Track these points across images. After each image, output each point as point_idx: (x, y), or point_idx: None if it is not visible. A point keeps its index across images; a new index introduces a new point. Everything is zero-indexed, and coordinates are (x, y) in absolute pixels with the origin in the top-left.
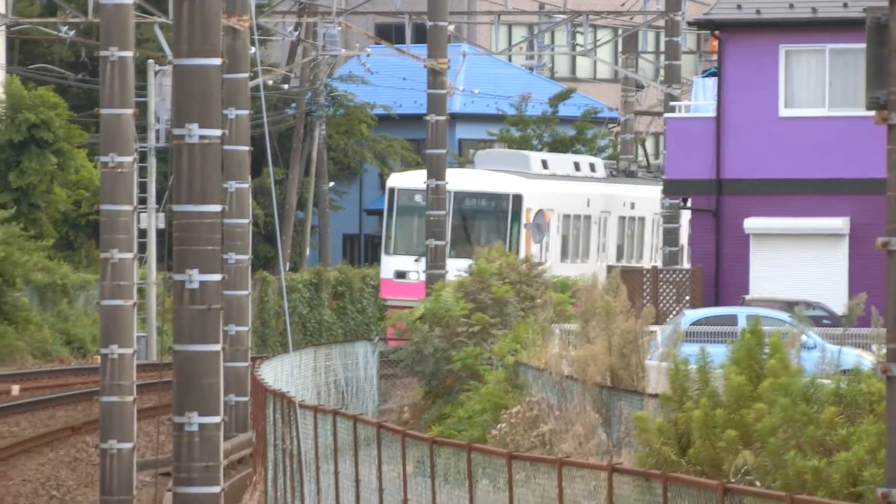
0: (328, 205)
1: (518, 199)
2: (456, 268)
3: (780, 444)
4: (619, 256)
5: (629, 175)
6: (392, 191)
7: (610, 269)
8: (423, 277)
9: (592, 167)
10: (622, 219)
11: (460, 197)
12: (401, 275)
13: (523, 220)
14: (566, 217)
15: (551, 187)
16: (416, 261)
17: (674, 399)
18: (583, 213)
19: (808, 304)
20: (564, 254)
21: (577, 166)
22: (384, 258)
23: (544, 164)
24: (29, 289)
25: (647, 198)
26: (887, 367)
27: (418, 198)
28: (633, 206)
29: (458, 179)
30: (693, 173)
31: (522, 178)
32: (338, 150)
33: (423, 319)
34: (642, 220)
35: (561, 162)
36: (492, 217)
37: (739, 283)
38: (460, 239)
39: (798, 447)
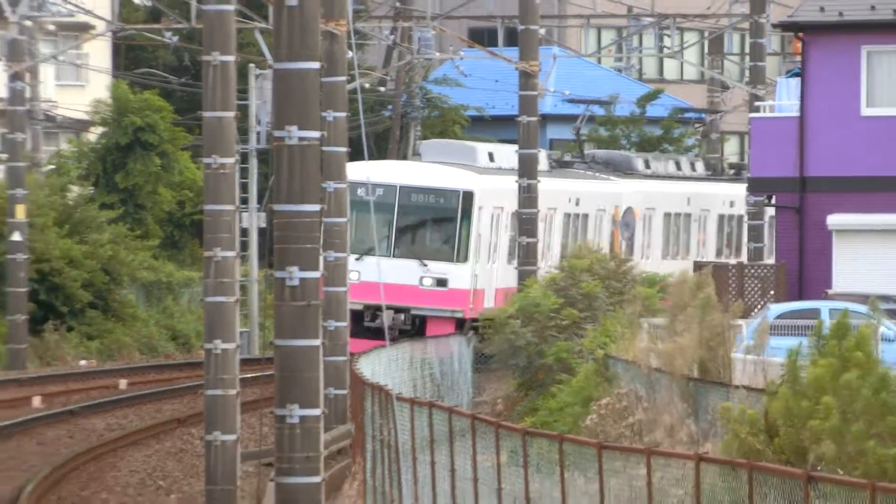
0: None
1: (469, 196)
2: (398, 266)
3: (861, 434)
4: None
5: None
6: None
7: (698, 265)
8: (364, 278)
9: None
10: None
11: (405, 192)
12: None
13: (473, 219)
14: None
15: (503, 183)
16: (357, 259)
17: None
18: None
19: (888, 298)
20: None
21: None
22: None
23: (490, 156)
24: (135, 287)
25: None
26: None
27: (361, 192)
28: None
29: (403, 173)
30: (777, 171)
31: (473, 172)
32: None
33: (515, 315)
34: (688, 216)
35: (506, 154)
36: (440, 215)
37: (822, 279)
38: (405, 238)
39: (878, 437)
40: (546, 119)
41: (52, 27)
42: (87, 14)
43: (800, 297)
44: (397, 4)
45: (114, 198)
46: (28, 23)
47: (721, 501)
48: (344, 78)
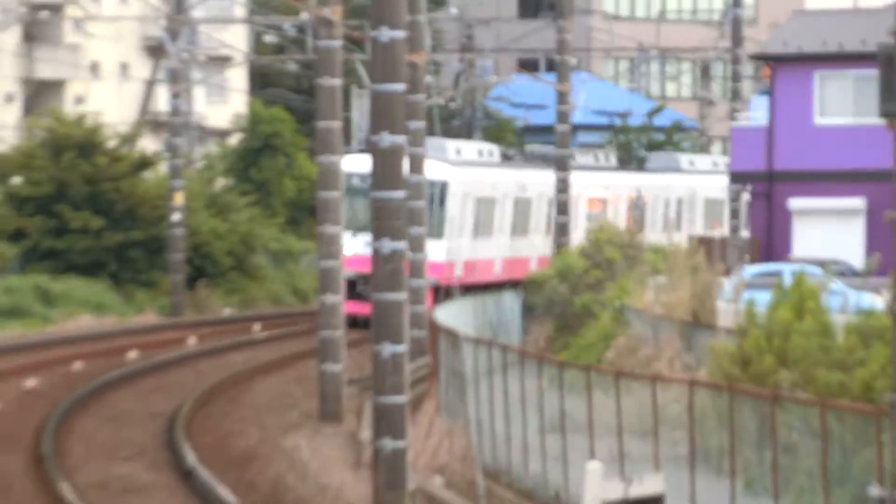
0: None
1: (444, 185)
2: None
3: (812, 364)
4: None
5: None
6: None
7: (691, 238)
8: (358, 252)
9: (491, 153)
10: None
11: None
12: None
13: (448, 203)
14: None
15: (469, 174)
16: (352, 236)
17: (739, 331)
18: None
19: (835, 262)
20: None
21: (479, 153)
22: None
23: (458, 151)
24: (266, 254)
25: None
26: (892, 305)
27: (356, 180)
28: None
29: None
30: (751, 166)
31: (448, 164)
32: None
33: (554, 276)
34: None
35: (469, 149)
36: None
37: (785, 248)
38: None
39: (825, 366)
40: (577, 128)
41: (202, 58)
42: (228, 48)
43: (768, 261)
44: (464, 40)
45: (249, 188)
46: (185, 55)
47: (708, 415)
48: (423, 96)
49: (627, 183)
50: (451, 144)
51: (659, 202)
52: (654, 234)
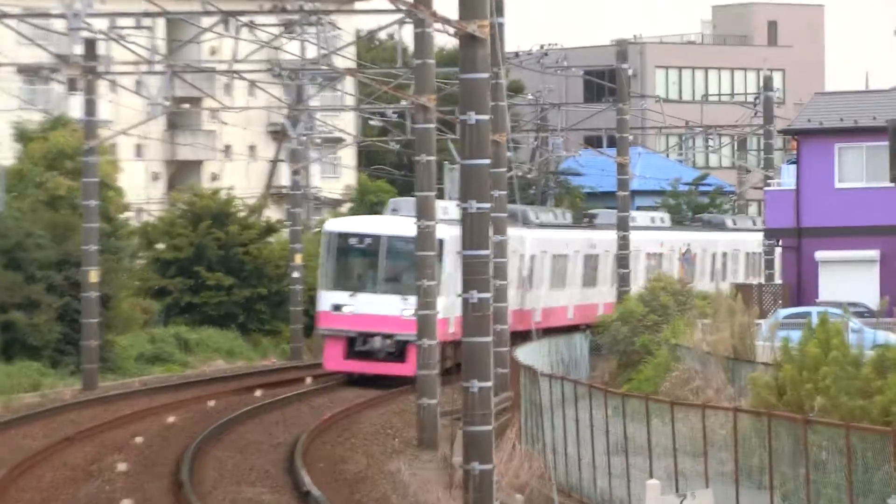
0: None
1: (440, 243)
2: (387, 302)
3: (837, 392)
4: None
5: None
6: (330, 234)
7: (732, 285)
8: (356, 310)
9: (564, 215)
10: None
11: (394, 241)
12: (337, 307)
13: (444, 261)
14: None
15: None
16: (350, 296)
17: (775, 364)
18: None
19: (855, 304)
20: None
21: (554, 216)
22: (322, 293)
23: (445, 210)
24: None
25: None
26: None
27: (353, 241)
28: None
29: (387, 225)
30: (782, 224)
31: (442, 224)
32: None
33: (617, 319)
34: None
35: (453, 208)
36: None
37: (812, 293)
38: (393, 277)
39: (848, 394)
40: (634, 193)
41: (318, 140)
42: (340, 131)
43: (798, 305)
44: (538, 121)
45: None
46: (303, 138)
47: (750, 437)
48: (504, 169)
49: (679, 239)
50: (441, 204)
51: (707, 255)
52: (703, 283)
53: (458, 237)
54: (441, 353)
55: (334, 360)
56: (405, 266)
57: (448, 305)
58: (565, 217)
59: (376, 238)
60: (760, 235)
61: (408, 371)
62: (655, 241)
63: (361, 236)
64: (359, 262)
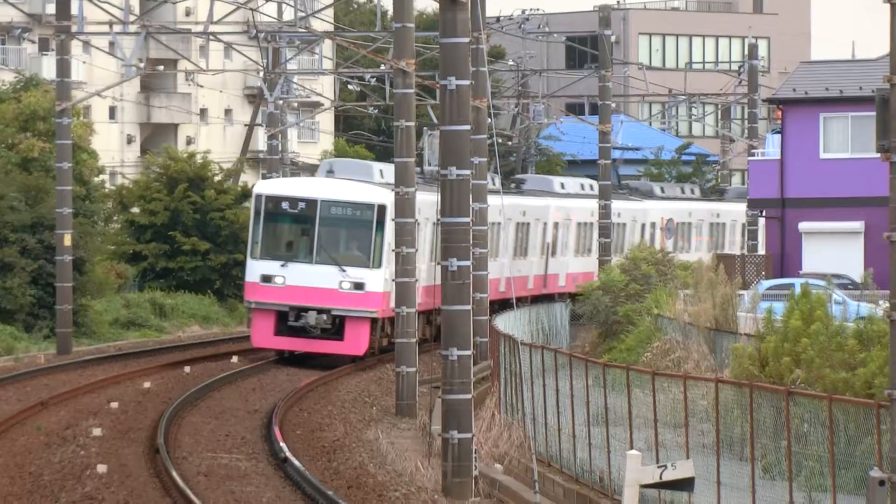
0: None
1: (382, 209)
2: (323, 273)
3: (820, 364)
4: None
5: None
6: (259, 197)
7: (715, 255)
8: (288, 282)
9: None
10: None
11: (326, 205)
12: (266, 279)
13: (386, 229)
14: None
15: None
16: (282, 266)
17: (757, 336)
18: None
19: (839, 276)
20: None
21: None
22: (250, 263)
23: (381, 173)
24: None
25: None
26: (890, 313)
27: (285, 205)
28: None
29: (323, 188)
30: (766, 194)
31: (383, 188)
32: None
33: (598, 288)
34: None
35: (390, 171)
36: (357, 225)
37: (796, 264)
38: (325, 246)
39: (831, 366)
40: (616, 161)
41: (295, 104)
42: (318, 96)
43: (781, 276)
44: (519, 88)
45: None
46: (280, 102)
47: (731, 409)
48: (485, 135)
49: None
50: (377, 167)
51: (637, 226)
52: (699, 254)
53: (429, 202)
54: (381, 329)
55: (263, 335)
56: (343, 234)
57: (389, 277)
58: (494, 183)
59: (311, 202)
60: (693, 204)
61: (347, 349)
62: (587, 209)
63: (294, 200)
64: (291, 229)
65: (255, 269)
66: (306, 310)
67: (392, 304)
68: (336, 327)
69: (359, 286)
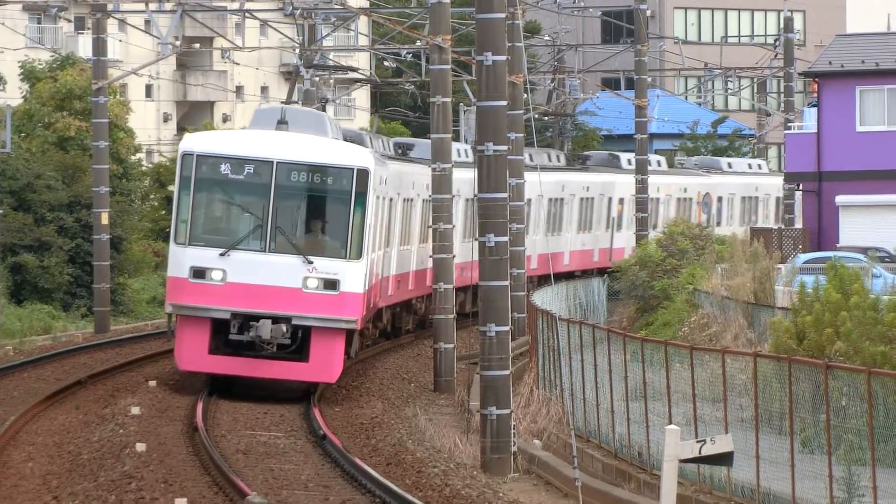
0: None
1: (364, 175)
2: (282, 266)
3: (859, 338)
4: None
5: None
6: (188, 158)
7: (752, 230)
8: (230, 278)
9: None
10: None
11: (284, 170)
12: (199, 273)
13: (369, 203)
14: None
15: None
16: (221, 255)
17: (794, 309)
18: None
19: (876, 249)
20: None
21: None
22: (175, 250)
23: (337, 128)
24: None
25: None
26: None
27: (225, 168)
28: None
29: (279, 146)
30: (803, 167)
31: (363, 149)
32: None
33: (635, 264)
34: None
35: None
36: (329, 199)
37: (832, 237)
38: (284, 228)
39: (870, 339)
40: (653, 136)
41: (331, 81)
42: (354, 72)
43: (818, 250)
44: (555, 63)
45: None
46: (316, 78)
47: (770, 383)
48: (521, 111)
49: (579, 181)
50: (330, 119)
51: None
52: (719, 227)
53: (397, 173)
54: (372, 319)
55: (192, 353)
56: (309, 210)
57: (369, 273)
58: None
59: (264, 165)
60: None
61: (312, 374)
62: (557, 182)
63: (239, 161)
64: (234, 204)
65: (183, 259)
66: (256, 317)
67: (390, 292)
68: (297, 343)
69: (331, 285)
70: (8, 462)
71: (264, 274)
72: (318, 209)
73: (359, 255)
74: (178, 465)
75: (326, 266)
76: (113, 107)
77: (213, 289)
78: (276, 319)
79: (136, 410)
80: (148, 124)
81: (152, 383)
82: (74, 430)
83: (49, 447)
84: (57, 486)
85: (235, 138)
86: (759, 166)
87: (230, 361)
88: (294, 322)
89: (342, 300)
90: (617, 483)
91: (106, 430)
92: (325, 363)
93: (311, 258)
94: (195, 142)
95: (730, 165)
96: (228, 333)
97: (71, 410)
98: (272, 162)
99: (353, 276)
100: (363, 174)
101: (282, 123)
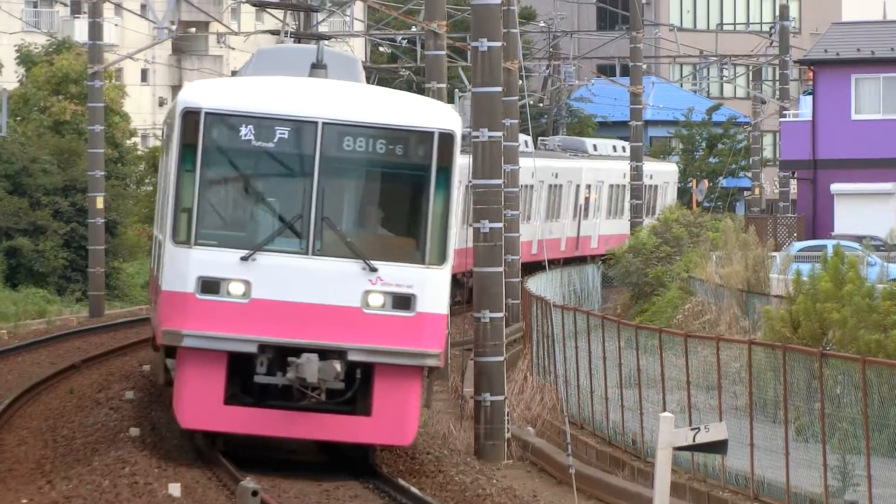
0: None
1: (448, 141)
2: (322, 273)
3: (854, 325)
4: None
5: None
6: (193, 116)
7: (748, 218)
8: (256, 293)
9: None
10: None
11: (334, 134)
12: (212, 286)
13: (453, 184)
14: None
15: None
16: (243, 260)
17: (788, 297)
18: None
19: (871, 238)
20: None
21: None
22: (172, 252)
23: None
24: None
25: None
26: None
27: (246, 132)
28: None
29: (327, 99)
30: (798, 155)
31: (441, 106)
32: None
33: (629, 251)
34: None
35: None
36: (399, 178)
37: (827, 225)
38: (335, 218)
39: (865, 327)
40: (647, 123)
41: None
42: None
43: (813, 237)
44: (550, 50)
45: None
46: None
47: (764, 371)
48: (516, 97)
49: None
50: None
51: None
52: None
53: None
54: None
55: (201, 405)
56: (370, 195)
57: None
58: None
59: (305, 126)
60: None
61: (378, 434)
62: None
63: (269, 121)
64: (262, 184)
65: (186, 266)
66: (295, 351)
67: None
68: (354, 388)
69: (404, 302)
70: (2, 446)
71: (306, 287)
72: (384, 193)
73: (442, 259)
74: (172, 450)
75: (397, 275)
76: (108, 91)
77: (232, 309)
78: (323, 353)
79: (130, 395)
80: (143, 108)
81: (147, 368)
82: (68, 415)
83: (43, 431)
84: (51, 470)
85: (260, 88)
86: (624, 149)
87: (256, 416)
88: (350, 357)
89: (420, 324)
90: (611, 470)
91: (100, 415)
92: (396, 416)
93: (375, 264)
94: (202, 93)
95: (595, 147)
96: (254, 374)
97: (65, 394)
98: (316, 122)
99: (434, 289)
100: (447, 140)
101: (317, 68)
